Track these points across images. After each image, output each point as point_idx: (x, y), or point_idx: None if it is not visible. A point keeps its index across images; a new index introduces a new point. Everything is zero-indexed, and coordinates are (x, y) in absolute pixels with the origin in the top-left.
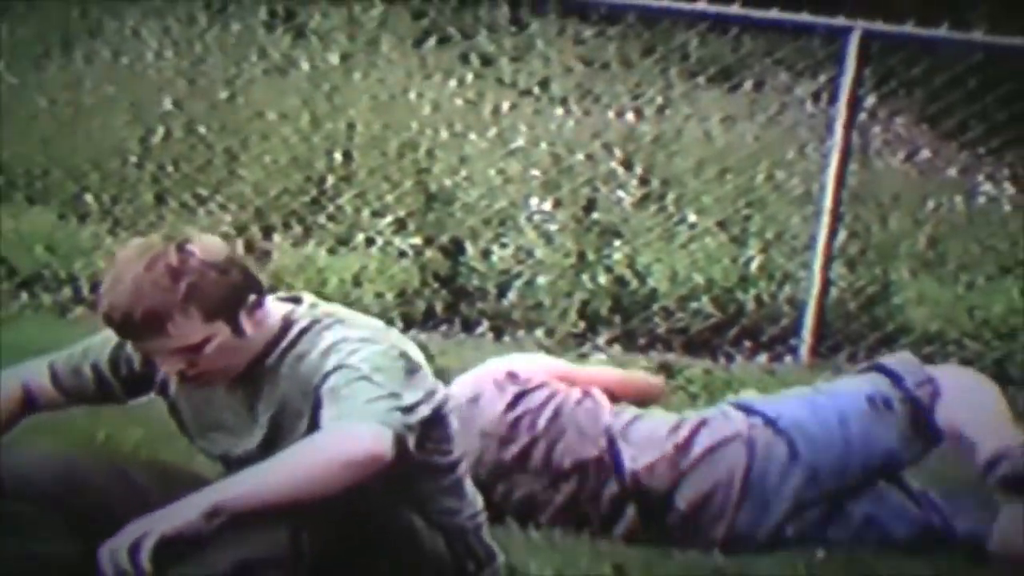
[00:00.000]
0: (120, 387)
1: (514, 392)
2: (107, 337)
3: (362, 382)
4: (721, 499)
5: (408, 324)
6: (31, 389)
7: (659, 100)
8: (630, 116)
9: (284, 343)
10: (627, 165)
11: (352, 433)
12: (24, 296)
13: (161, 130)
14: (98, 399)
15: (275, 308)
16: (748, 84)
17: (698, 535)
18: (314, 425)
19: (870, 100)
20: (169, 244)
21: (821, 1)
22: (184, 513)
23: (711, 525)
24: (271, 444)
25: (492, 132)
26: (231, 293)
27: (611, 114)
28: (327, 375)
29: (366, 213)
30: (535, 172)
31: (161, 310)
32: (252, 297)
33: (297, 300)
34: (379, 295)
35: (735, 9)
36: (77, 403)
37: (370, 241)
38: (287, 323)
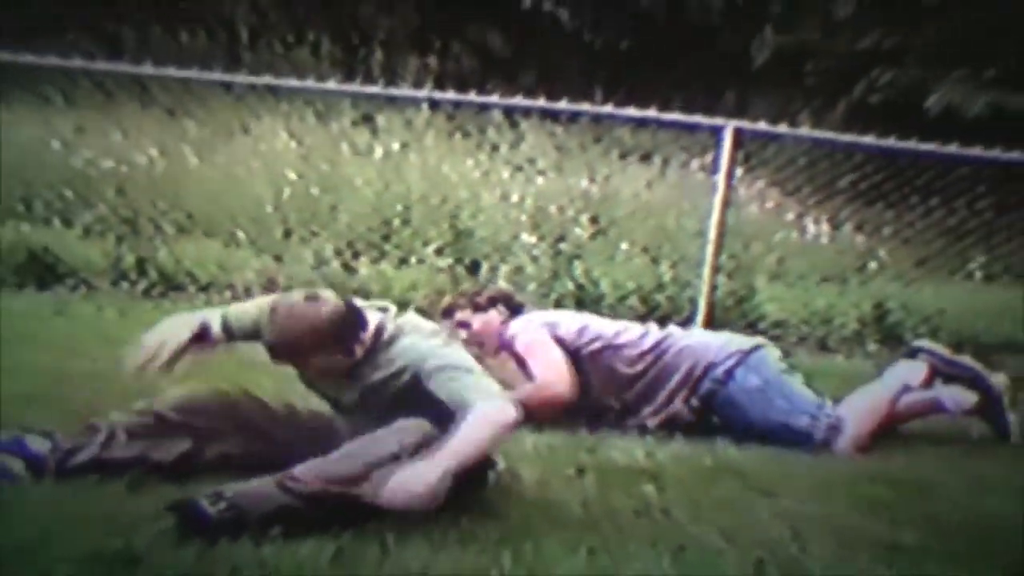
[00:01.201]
0: None
1: None
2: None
3: (466, 373)
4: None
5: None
6: (207, 327)
7: (604, 171)
8: (585, 182)
9: (377, 348)
10: (584, 212)
11: (504, 407)
12: (202, 297)
13: (287, 190)
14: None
15: (371, 318)
16: (659, 160)
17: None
18: (405, 395)
19: (739, 170)
20: (314, 299)
21: (711, 103)
22: (434, 472)
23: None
24: (362, 401)
25: (497, 192)
26: (351, 331)
27: (574, 180)
28: (433, 370)
29: (417, 243)
30: (524, 217)
31: (309, 345)
32: (361, 332)
33: (384, 309)
34: (425, 296)
35: (652, 113)
36: (232, 341)
37: (420, 261)
38: (378, 332)
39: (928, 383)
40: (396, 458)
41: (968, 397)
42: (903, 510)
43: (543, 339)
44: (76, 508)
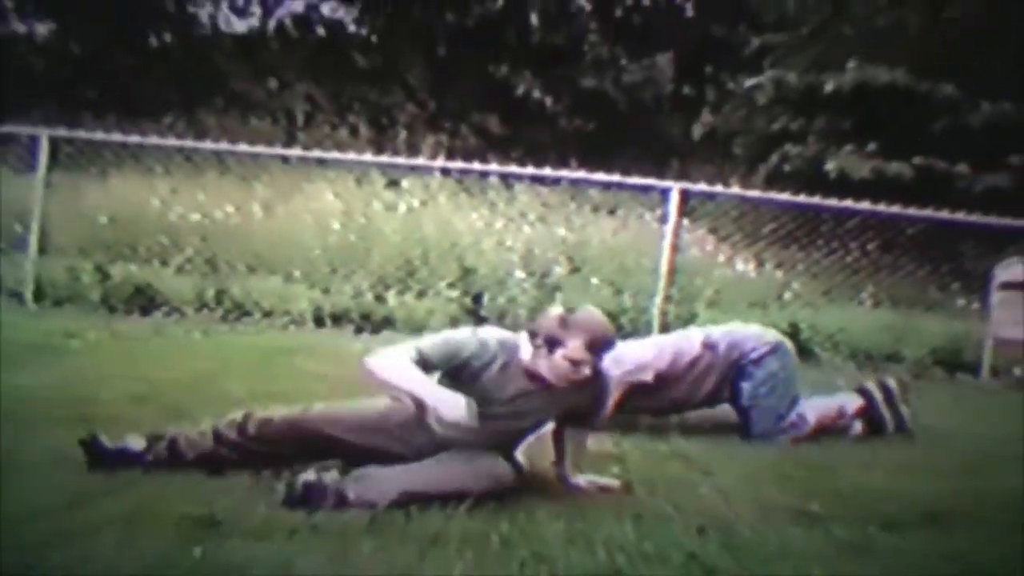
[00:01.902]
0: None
1: None
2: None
3: None
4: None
5: None
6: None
7: (579, 222)
8: (564, 231)
9: None
10: (563, 255)
11: None
12: (266, 321)
13: (332, 238)
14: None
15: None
16: (622, 214)
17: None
18: None
19: (684, 221)
20: None
21: (661, 169)
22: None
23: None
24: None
25: (495, 239)
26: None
27: (556, 229)
28: None
29: (433, 279)
30: (516, 258)
31: None
32: None
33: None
34: (441, 321)
35: (616, 177)
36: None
37: (436, 293)
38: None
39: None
40: None
41: (856, 401)
42: (812, 485)
43: None
44: (169, 484)
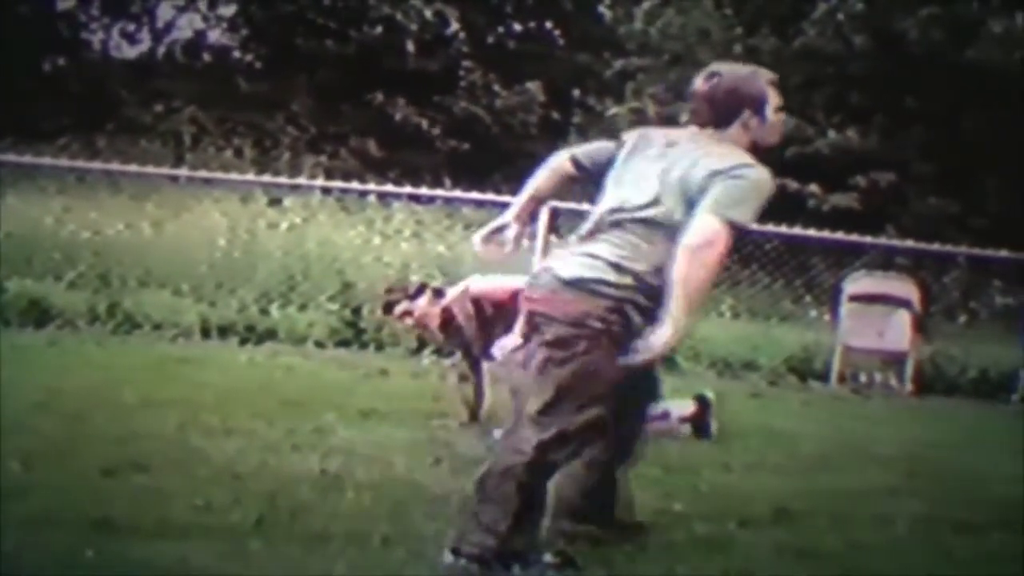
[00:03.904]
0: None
1: None
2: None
3: None
4: None
5: (339, 343)
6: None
7: (453, 239)
8: (438, 247)
9: None
10: (438, 270)
11: None
12: (156, 333)
13: (218, 254)
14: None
15: None
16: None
17: None
18: None
19: (553, 238)
20: None
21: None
22: None
23: None
24: None
25: (373, 254)
26: None
27: (431, 246)
28: None
29: (315, 293)
30: (393, 273)
31: None
32: None
33: None
34: (322, 333)
35: (488, 196)
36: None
37: (317, 307)
38: None
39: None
40: None
41: (687, 408)
42: (673, 485)
43: (501, 278)
44: (64, 489)
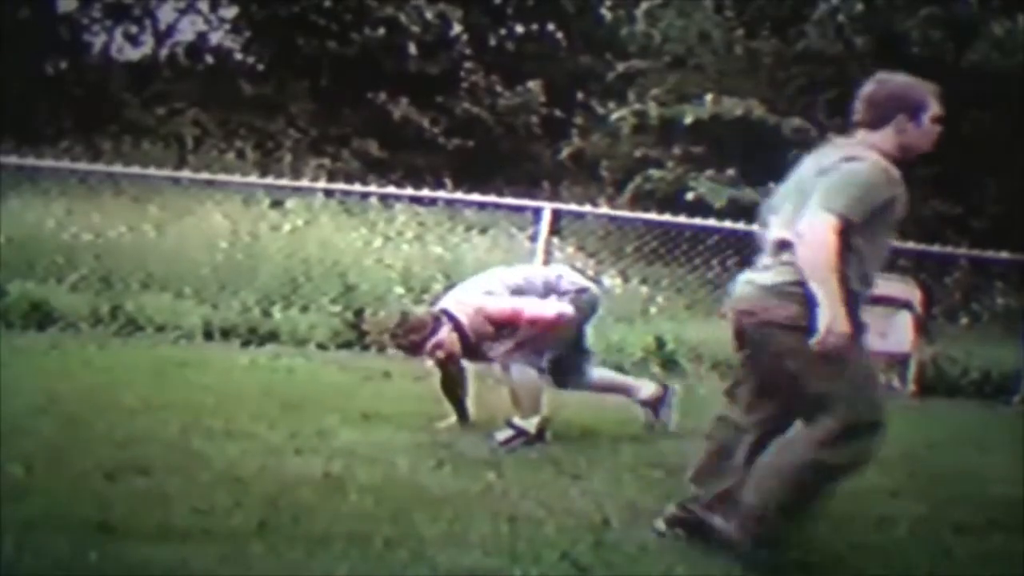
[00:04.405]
0: None
1: None
2: None
3: None
4: None
5: (341, 345)
6: None
7: (455, 241)
8: (440, 249)
9: None
10: (440, 272)
11: None
12: (158, 336)
13: (220, 256)
14: None
15: None
16: (495, 232)
17: None
18: None
19: (554, 240)
20: None
21: (532, 190)
22: None
23: None
24: None
25: (375, 256)
26: None
27: (432, 248)
28: None
29: (316, 295)
30: (395, 275)
31: None
32: None
33: None
34: (324, 335)
35: (489, 198)
36: None
37: (319, 309)
38: None
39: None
40: None
41: (649, 389)
42: (671, 486)
43: (502, 301)
44: (64, 492)
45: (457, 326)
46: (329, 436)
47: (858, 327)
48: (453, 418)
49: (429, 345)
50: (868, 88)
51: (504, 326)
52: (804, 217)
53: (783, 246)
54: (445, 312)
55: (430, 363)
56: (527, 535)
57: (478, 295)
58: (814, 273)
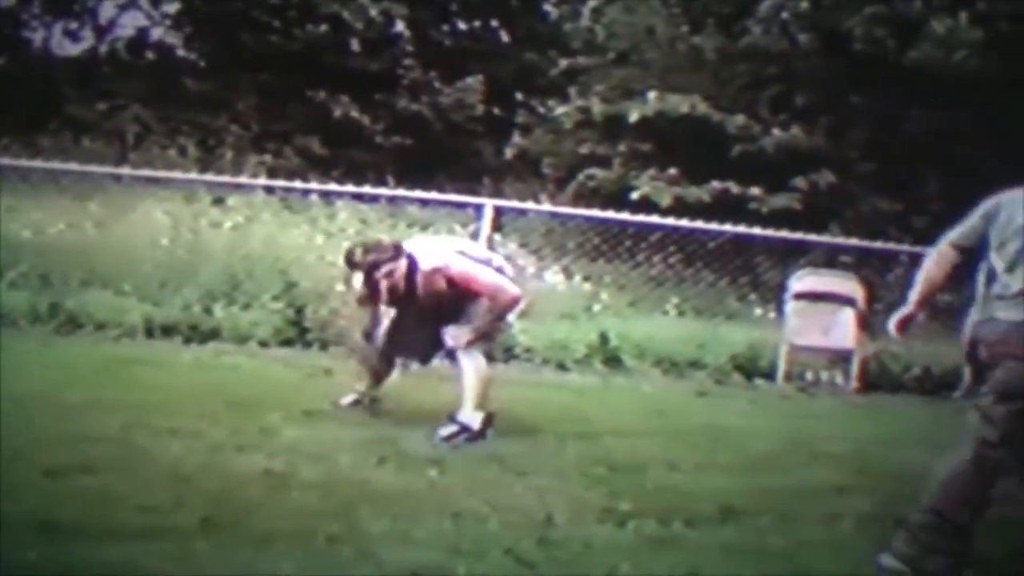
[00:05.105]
0: None
1: None
2: None
3: None
4: None
5: (283, 343)
6: None
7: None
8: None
9: None
10: None
11: None
12: (99, 333)
13: (161, 253)
14: None
15: None
16: (437, 229)
17: None
18: None
19: (496, 236)
20: None
21: (474, 187)
22: None
23: None
24: None
25: (317, 253)
26: None
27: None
28: None
29: (258, 292)
30: (336, 272)
31: None
32: None
33: None
34: (266, 332)
35: (432, 195)
36: None
37: (260, 306)
38: None
39: None
40: None
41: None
42: (620, 484)
43: (471, 263)
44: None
45: (412, 268)
46: (272, 433)
47: None
48: (354, 395)
49: (383, 269)
50: None
51: (458, 288)
52: None
53: None
54: (408, 254)
55: (357, 299)
56: (471, 531)
57: (447, 251)
58: None
